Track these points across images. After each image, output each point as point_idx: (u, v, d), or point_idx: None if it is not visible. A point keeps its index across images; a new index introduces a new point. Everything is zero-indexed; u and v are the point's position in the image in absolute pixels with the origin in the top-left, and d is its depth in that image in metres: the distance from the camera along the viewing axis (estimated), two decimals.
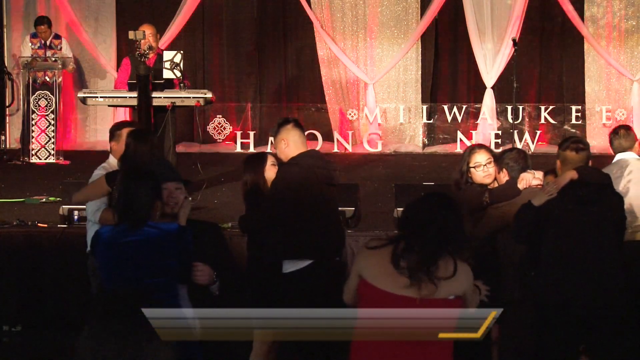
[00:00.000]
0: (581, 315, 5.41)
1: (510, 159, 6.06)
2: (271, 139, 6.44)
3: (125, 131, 6.20)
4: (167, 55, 9.16)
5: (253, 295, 5.77)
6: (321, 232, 5.83)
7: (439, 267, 3.92)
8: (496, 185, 6.07)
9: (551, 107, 12.69)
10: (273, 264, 5.75)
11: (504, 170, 6.04)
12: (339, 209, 7.97)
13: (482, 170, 6.00)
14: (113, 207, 5.79)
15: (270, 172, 5.96)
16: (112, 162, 6.28)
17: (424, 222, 3.98)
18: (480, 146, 6.22)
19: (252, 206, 5.93)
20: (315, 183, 5.84)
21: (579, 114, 12.62)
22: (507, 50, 12.15)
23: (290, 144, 5.90)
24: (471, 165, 6.01)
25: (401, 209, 7.71)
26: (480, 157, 6.03)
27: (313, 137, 12.33)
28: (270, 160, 6.05)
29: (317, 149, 11.96)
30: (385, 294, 3.91)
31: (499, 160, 6.09)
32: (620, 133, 6.89)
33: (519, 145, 11.96)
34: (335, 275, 5.84)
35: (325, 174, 5.92)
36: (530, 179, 5.95)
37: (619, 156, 6.87)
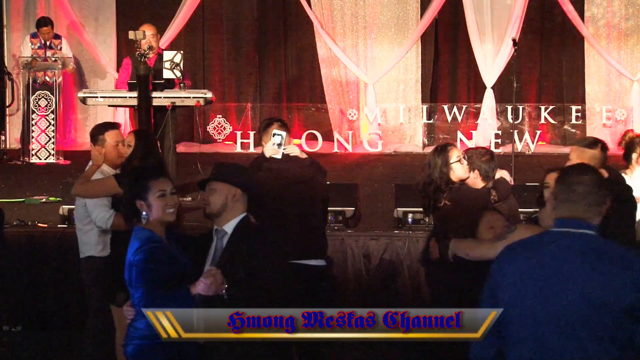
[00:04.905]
0: None
1: (483, 162, 5.93)
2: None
3: (109, 135, 5.98)
4: (167, 55, 9.16)
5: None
6: (300, 233, 5.66)
7: None
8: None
9: (551, 107, 12.69)
10: None
11: (476, 171, 5.90)
12: (340, 209, 7.89)
13: (464, 164, 5.85)
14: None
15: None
16: (106, 168, 6.03)
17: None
18: (449, 143, 6.17)
19: None
20: (279, 184, 5.69)
21: (579, 114, 12.62)
22: (507, 50, 12.13)
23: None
24: (453, 160, 5.81)
25: (401, 209, 7.81)
26: (458, 152, 5.90)
27: (313, 137, 12.34)
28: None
29: (317, 149, 12.03)
30: None
31: (468, 160, 5.95)
32: None
33: (519, 145, 11.98)
34: (315, 280, 5.69)
35: (292, 173, 5.75)
36: (509, 176, 6.17)
37: None
